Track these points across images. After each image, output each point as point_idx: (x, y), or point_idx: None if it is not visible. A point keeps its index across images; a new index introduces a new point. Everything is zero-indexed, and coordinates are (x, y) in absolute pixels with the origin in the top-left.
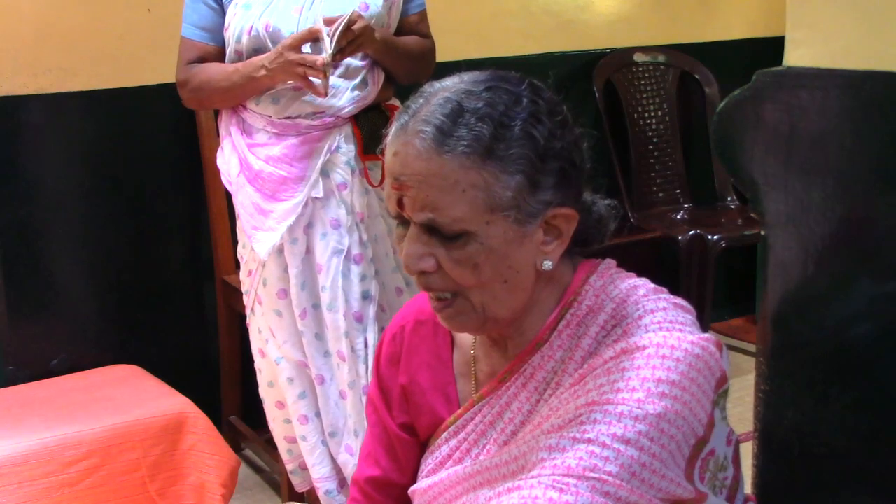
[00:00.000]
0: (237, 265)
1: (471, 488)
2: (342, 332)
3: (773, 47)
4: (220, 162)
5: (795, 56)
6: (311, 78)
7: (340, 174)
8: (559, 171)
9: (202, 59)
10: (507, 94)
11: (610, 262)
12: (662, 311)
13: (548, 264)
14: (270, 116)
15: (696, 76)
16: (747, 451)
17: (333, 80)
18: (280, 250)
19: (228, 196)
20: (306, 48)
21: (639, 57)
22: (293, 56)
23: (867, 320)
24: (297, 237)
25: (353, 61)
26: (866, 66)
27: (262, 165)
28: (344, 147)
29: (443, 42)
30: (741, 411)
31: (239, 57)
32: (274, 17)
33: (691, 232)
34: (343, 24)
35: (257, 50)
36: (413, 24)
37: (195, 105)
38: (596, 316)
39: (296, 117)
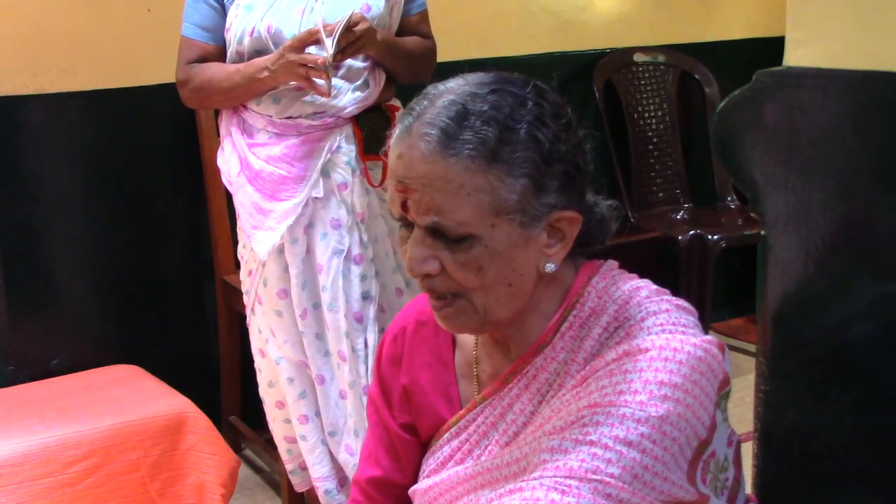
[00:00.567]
0: (237, 265)
1: (472, 489)
2: (343, 333)
3: (773, 47)
4: (220, 162)
5: (795, 56)
6: (313, 79)
7: (341, 174)
8: (563, 174)
9: (202, 59)
10: (511, 97)
11: (612, 264)
12: (665, 314)
13: (550, 267)
14: (271, 116)
15: (696, 76)
16: (747, 452)
17: (335, 81)
18: (280, 250)
19: (228, 196)
20: (310, 49)
21: (639, 57)
22: (294, 57)
23: (867, 320)
24: (298, 237)
25: (355, 63)
26: (866, 66)
27: (262, 165)
28: (344, 147)
29: (443, 42)
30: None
31: (240, 58)
32: (276, 19)
33: (691, 232)
34: (343, 24)
35: (259, 51)
36: (414, 25)
37: (195, 104)
38: (598, 318)
39: (296, 117)
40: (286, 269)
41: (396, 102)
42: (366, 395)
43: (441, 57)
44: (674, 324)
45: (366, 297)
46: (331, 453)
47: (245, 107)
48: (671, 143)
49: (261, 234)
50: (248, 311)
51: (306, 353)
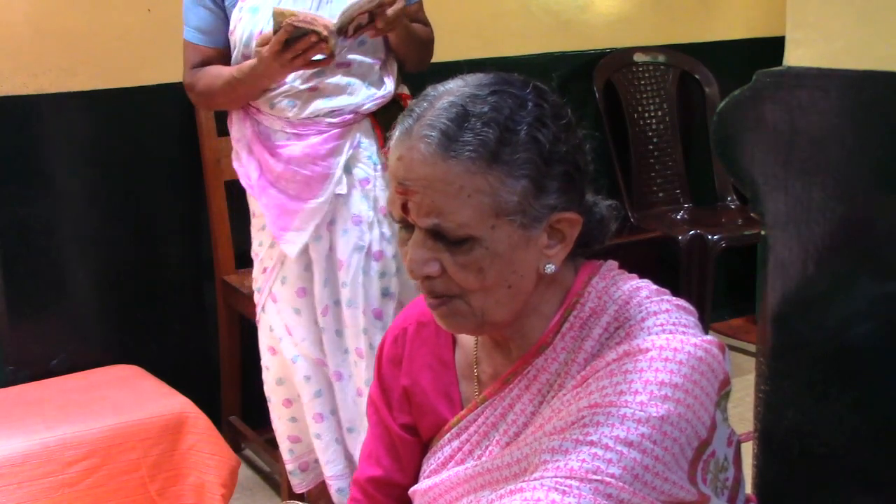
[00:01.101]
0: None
1: (473, 489)
2: (361, 329)
3: (773, 47)
4: (236, 166)
5: (795, 56)
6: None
7: (363, 169)
8: (564, 175)
9: (204, 63)
10: (512, 99)
11: (612, 264)
12: (665, 314)
13: (550, 268)
14: (289, 118)
15: (696, 76)
16: (747, 452)
17: (348, 79)
18: (303, 248)
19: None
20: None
21: (639, 57)
22: (288, 54)
23: (867, 320)
24: (322, 234)
25: (365, 59)
26: (866, 66)
27: (284, 167)
28: (365, 142)
29: (443, 42)
30: (741, 411)
31: (247, 60)
32: None
33: (691, 232)
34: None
35: None
36: (413, 13)
37: (204, 107)
38: (599, 318)
39: (315, 117)
40: (306, 268)
41: (407, 91)
42: None
43: (441, 57)
44: (674, 324)
45: (385, 293)
46: (344, 451)
47: (259, 110)
48: (671, 143)
49: (290, 235)
50: (258, 309)
51: (325, 349)
